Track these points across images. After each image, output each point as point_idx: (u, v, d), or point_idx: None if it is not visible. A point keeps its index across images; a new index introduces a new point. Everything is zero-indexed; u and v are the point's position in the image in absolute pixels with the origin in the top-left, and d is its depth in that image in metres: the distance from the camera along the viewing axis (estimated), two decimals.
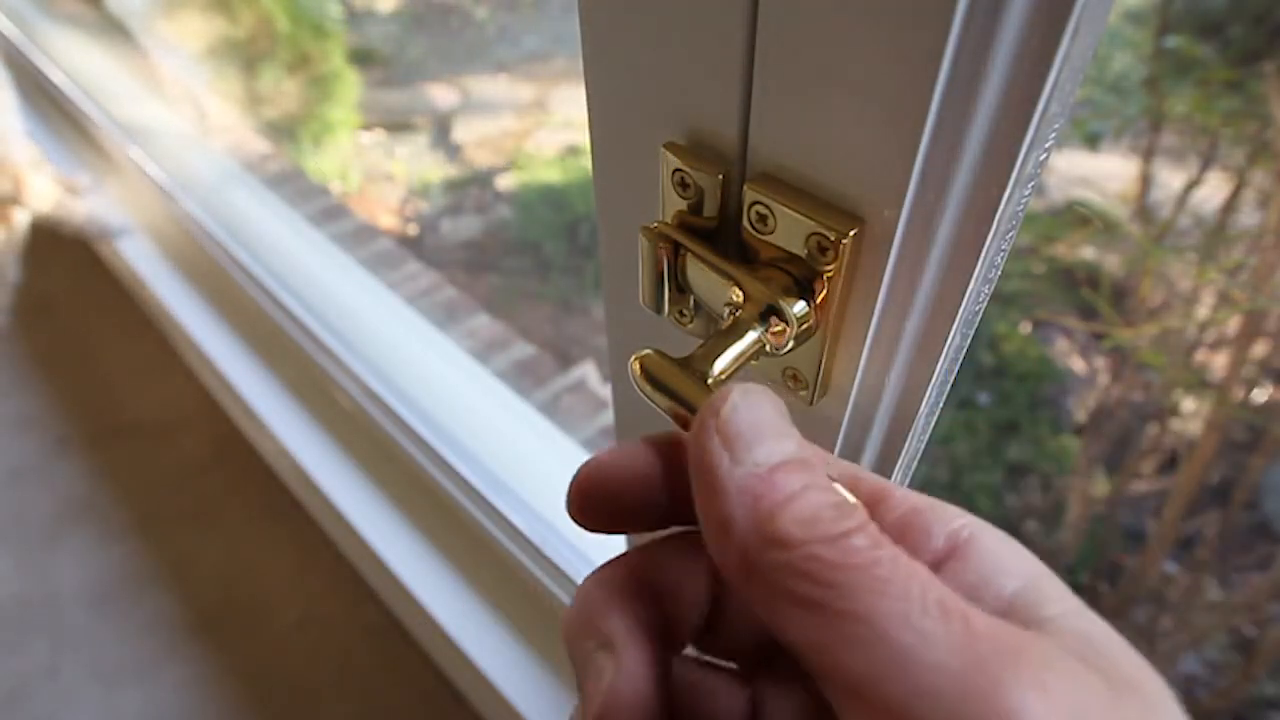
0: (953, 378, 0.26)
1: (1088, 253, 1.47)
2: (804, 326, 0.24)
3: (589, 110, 0.28)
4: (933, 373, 0.25)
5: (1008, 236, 0.22)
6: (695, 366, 0.21)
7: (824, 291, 0.23)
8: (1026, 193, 0.21)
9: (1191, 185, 1.09)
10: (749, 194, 0.23)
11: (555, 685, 0.70)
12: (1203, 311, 1.12)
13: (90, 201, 1.26)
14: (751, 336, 0.23)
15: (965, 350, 0.25)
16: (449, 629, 0.74)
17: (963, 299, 0.22)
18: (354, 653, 0.95)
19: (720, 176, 0.24)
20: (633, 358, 0.21)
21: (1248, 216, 1.06)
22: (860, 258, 0.23)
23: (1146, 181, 1.14)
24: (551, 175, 2.63)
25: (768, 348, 0.24)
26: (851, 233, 0.22)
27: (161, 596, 1.02)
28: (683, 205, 0.26)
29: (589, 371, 1.69)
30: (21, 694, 0.93)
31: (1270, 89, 0.97)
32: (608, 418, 1.08)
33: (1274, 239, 1.00)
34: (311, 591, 1.01)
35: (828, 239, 0.22)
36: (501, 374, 1.08)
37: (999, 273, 0.23)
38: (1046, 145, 0.20)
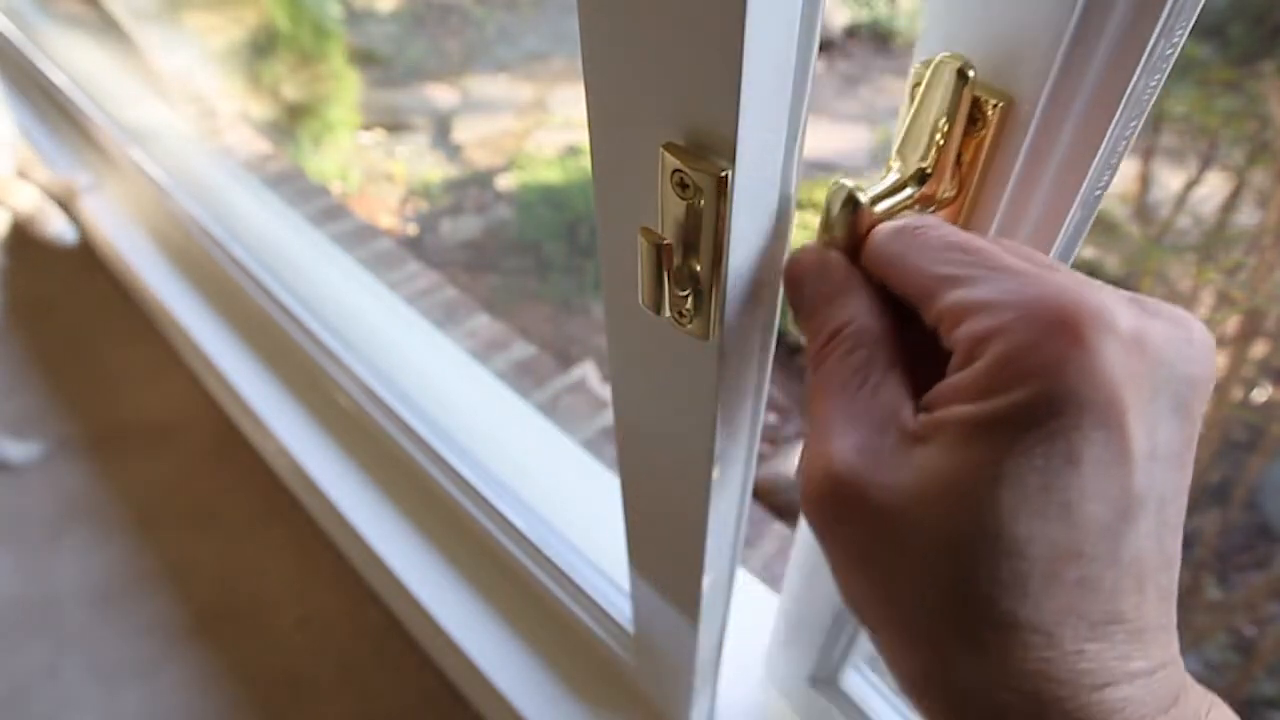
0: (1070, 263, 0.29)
1: (1087, 252, 1.47)
2: (946, 194, 0.27)
3: (589, 110, 0.28)
4: (1051, 249, 0.27)
5: (1131, 124, 0.24)
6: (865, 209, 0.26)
7: (969, 159, 0.26)
8: (1152, 83, 0.23)
9: (1191, 185, 1.09)
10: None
11: (555, 685, 0.70)
12: (1202, 311, 1.12)
13: (56, 223, 1.29)
14: (906, 193, 0.26)
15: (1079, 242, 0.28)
16: (449, 629, 0.74)
17: (1086, 177, 0.24)
18: (354, 653, 0.95)
19: (720, 176, 0.24)
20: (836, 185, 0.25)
21: (1247, 216, 1.06)
22: (1004, 131, 0.25)
23: (1146, 181, 1.14)
24: (551, 175, 2.63)
25: (915, 208, 0.27)
26: (1000, 104, 0.24)
27: (161, 596, 1.02)
28: (682, 205, 0.26)
29: (589, 371, 1.69)
30: (21, 694, 0.93)
31: (1270, 89, 0.97)
32: (608, 418, 1.08)
33: (1273, 239, 1.00)
34: (311, 591, 1.01)
35: (981, 110, 0.25)
36: (501, 374, 1.08)
37: (1119, 162, 0.25)
38: (1174, 38, 0.22)
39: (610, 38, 0.25)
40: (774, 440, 1.99)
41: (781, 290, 0.27)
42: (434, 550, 0.81)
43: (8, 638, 0.99)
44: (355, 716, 0.91)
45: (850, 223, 0.25)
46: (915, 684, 0.20)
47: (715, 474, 0.36)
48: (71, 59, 1.50)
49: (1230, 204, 1.05)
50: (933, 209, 0.27)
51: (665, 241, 0.26)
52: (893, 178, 0.26)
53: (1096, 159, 0.24)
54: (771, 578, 0.92)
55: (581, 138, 1.84)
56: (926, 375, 0.21)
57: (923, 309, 0.22)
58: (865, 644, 0.55)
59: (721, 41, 0.22)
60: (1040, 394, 0.18)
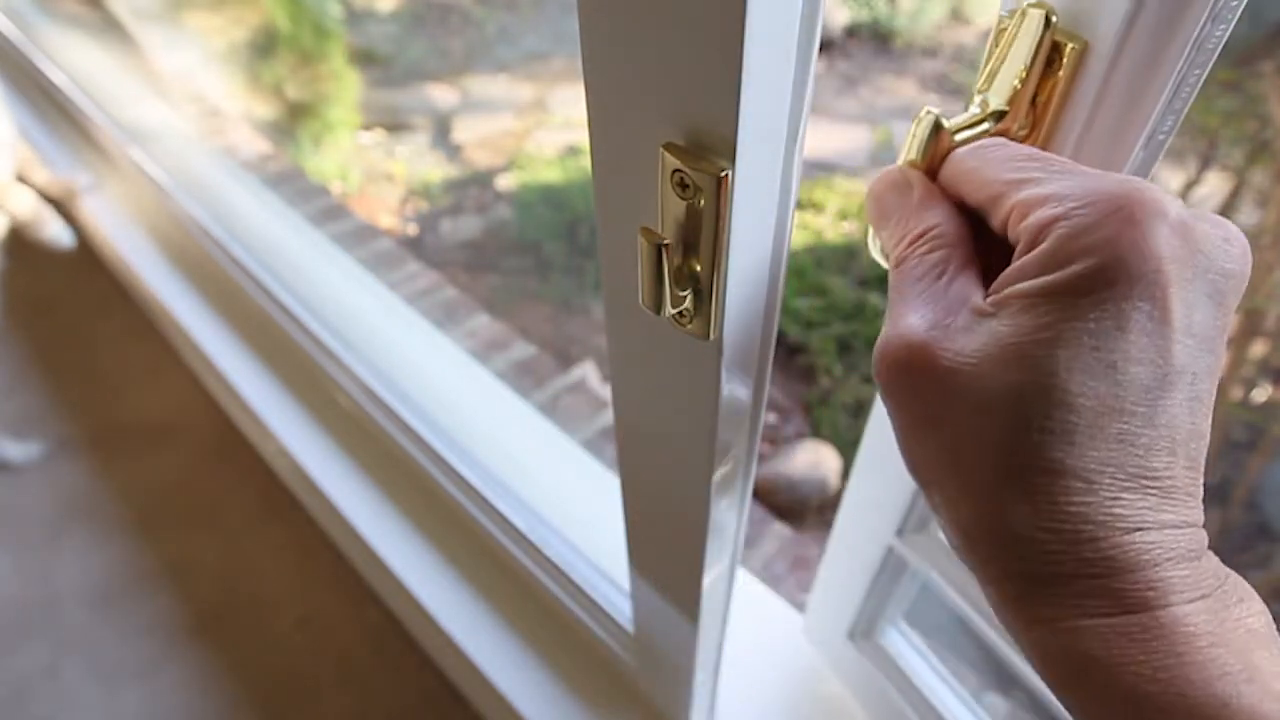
0: None
1: None
2: (1020, 132, 0.29)
3: (589, 110, 0.28)
4: None
5: (1195, 71, 0.26)
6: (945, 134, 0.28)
7: (1044, 99, 0.28)
8: (1218, 32, 0.25)
9: (1191, 185, 1.09)
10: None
11: (555, 685, 0.70)
12: None
13: (53, 228, 1.30)
14: (983, 127, 0.28)
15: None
16: (449, 629, 0.74)
17: (1150, 117, 0.26)
18: (354, 653, 0.95)
19: (720, 176, 0.24)
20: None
21: (1246, 216, 1.06)
22: (1078, 73, 0.27)
23: None
24: (551, 175, 2.63)
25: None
26: (1077, 47, 0.26)
27: (161, 596, 1.02)
28: (682, 205, 0.26)
29: (589, 371, 1.69)
30: (21, 694, 0.93)
31: (1269, 89, 0.97)
32: (607, 418, 1.08)
33: (1272, 238, 1.00)
34: (311, 591, 1.01)
35: (1059, 52, 0.27)
36: (501, 374, 1.08)
37: (1183, 108, 0.27)
38: None
39: (610, 38, 0.25)
40: (774, 440, 1.99)
41: (867, 208, 0.29)
42: (434, 550, 0.81)
43: (8, 638, 0.99)
44: (355, 716, 0.91)
45: (931, 147, 0.28)
46: (968, 533, 0.22)
47: (715, 474, 0.36)
48: (71, 59, 1.50)
49: (1230, 204, 1.05)
50: None
51: (665, 241, 0.26)
52: (973, 111, 0.28)
53: (1160, 101, 0.26)
54: (771, 578, 0.92)
55: (581, 138, 1.84)
56: (997, 278, 0.24)
57: (994, 212, 0.24)
58: (903, 600, 0.57)
59: (721, 41, 0.22)
60: (1096, 266, 0.20)
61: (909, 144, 0.28)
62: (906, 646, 0.59)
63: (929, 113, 0.27)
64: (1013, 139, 0.29)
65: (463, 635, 0.74)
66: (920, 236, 0.25)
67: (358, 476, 0.88)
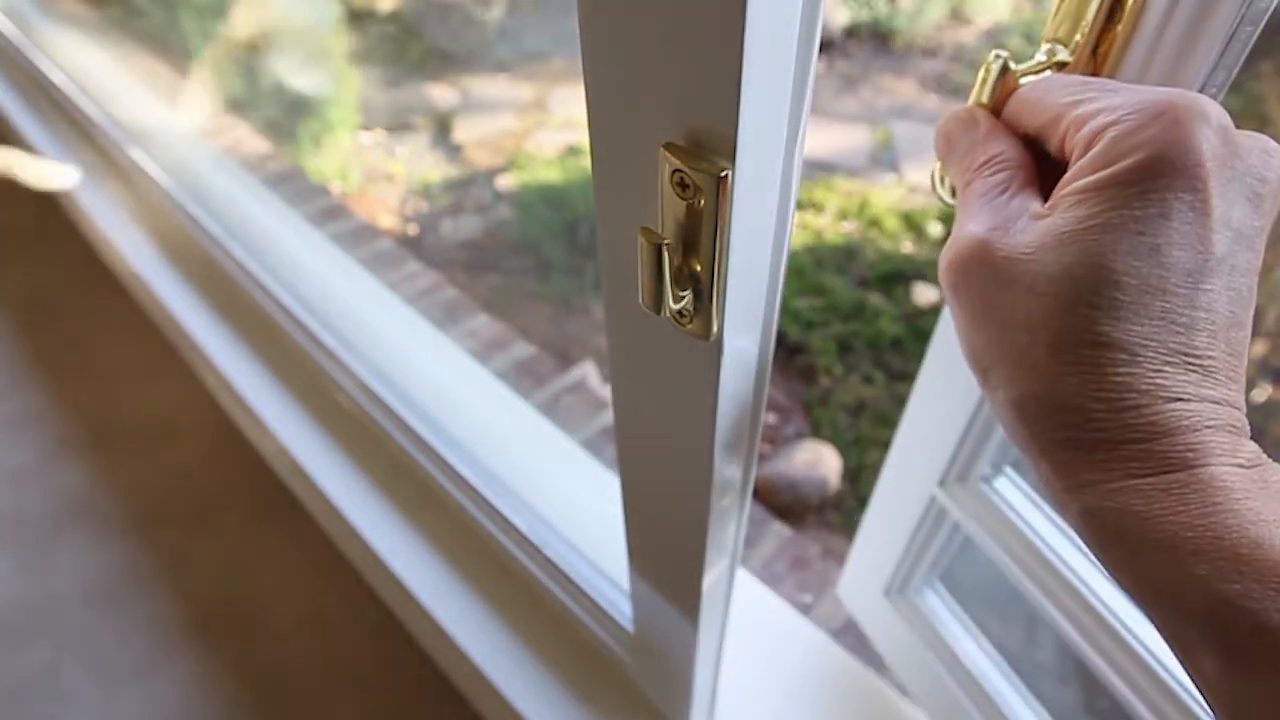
0: None
1: None
2: (1086, 68, 0.31)
3: (589, 110, 0.28)
4: None
5: (1248, 26, 0.27)
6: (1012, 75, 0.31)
7: (1104, 51, 0.30)
8: None
9: None
10: None
11: (555, 685, 0.70)
12: None
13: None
14: (1047, 74, 0.31)
15: None
16: (449, 629, 0.74)
17: (1204, 67, 0.28)
18: (354, 653, 0.95)
19: (720, 176, 0.24)
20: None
21: None
22: (1137, 25, 0.29)
23: None
24: (551, 175, 2.63)
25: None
26: (1133, 3, 0.28)
27: (161, 596, 1.02)
28: (682, 205, 0.26)
29: (589, 371, 1.70)
30: (21, 694, 0.93)
31: (1269, 89, 0.97)
32: (607, 418, 1.08)
33: (1271, 238, 1.00)
34: (311, 591, 1.01)
35: (1121, 5, 0.29)
36: (501, 374, 1.08)
37: (1235, 64, 0.29)
38: None
39: (610, 38, 0.25)
40: (774, 440, 1.99)
41: (938, 141, 0.31)
42: (434, 550, 0.81)
43: (8, 638, 0.99)
44: (355, 716, 0.91)
45: (999, 87, 0.30)
46: (1022, 408, 0.24)
47: (715, 474, 0.36)
48: (71, 59, 1.50)
49: None
50: None
51: (665, 241, 0.26)
52: (1039, 59, 0.31)
53: (1211, 55, 0.28)
54: (771, 578, 0.92)
55: (581, 138, 1.84)
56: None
57: (1052, 133, 0.26)
58: (943, 557, 0.58)
59: (721, 41, 0.22)
60: (1143, 161, 0.22)
61: (978, 88, 0.31)
62: (941, 607, 0.60)
63: (998, 56, 0.30)
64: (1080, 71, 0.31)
65: (462, 635, 0.74)
66: (986, 162, 0.28)
67: (357, 476, 0.88)
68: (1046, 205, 0.25)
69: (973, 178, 0.27)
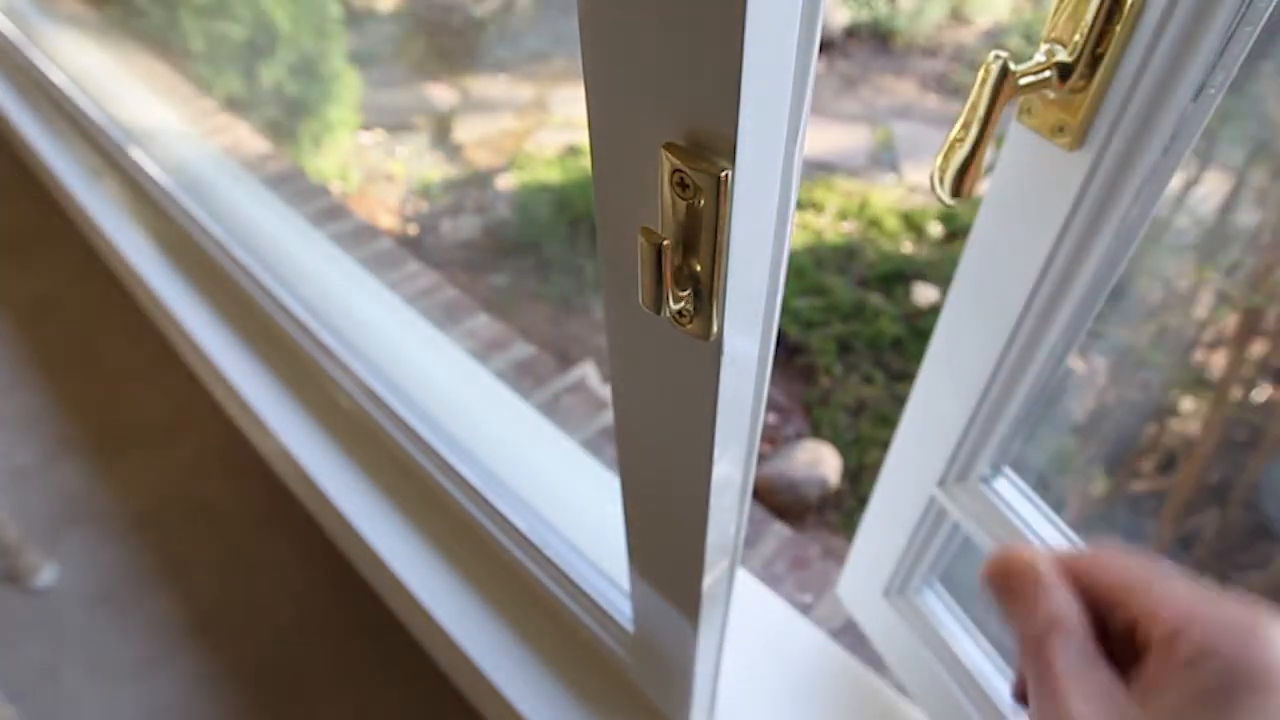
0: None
1: None
2: (1081, 81, 0.32)
3: (589, 110, 0.28)
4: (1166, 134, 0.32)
5: (1247, 27, 0.28)
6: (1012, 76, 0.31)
7: (1102, 51, 0.31)
8: None
9: (1190, 185, 1.09)
10: None
11: (555, 685, 0.70)
12: (1200, 310, 1.12)
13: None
14: (1045, 75, 0.32)
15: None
16: (449, 629, 0.74)
17: (1202, 67, 0.29)
18: (354, 653, 0.95)
19: (720, 176, 0.24)
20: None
21: (1246, 216, 1.06)
22: (1135, 27, 0.30)
23: None
24: (551, 175, 2.63)
25: (1052, 94, 0.33)
26: (1132, 3, 0.30)
27: (161, 596, 1.02)
28: (682, 205, 0.26)
29: (589, 371, 1.70)
30: (21, 694, 0.93)
31: (1269, 89, 0.97)
32: (607, 418, 1.08)
33: (1271, 238, 1.00)
34: (311, 591, 1.01)
35: (1120, 6, 0.30)
36: (501, 374, 1.08)
37: (1233, 65, 0.30)
38: None
39: (610, 38, 0.25)
40: (774, 440, 1.99)
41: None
42: (434, 550, 0.81)
43: (8, 638, 0.99)
44: (355, 716, 0.91)
45: (997, 85, 0.30)
46: None
47: (715, 474, 0.36)
48: (71, 59, 1.50)
49: (1229, 203, 1.05)
50: (1064, 91, 0.34)
51: (665, 241, 0.26)
52: (1039, 57, 0.32)
53: (1210, 53, 0.29)
54: (771, 578, 0.92)
55: (581, 138, 1.84)
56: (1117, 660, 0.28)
57: (1117, 613, 0.28)
58: (941, 557, 0.58)
59: (721, 41, 0.22)
60: (1228, 674, 0.24)
61: (978, 88, 0.31)
62: (941, 607, 0.60)
63: (998, 57, 0.30)
64: (1072, 88, 0.33)
65: (462, 635, 0.74)
66: (1056, 624, 0.28)
67: (357, 476, 0.88)
68: (1137, 693, 0.26)
69: (1046, 640, 0.28)
